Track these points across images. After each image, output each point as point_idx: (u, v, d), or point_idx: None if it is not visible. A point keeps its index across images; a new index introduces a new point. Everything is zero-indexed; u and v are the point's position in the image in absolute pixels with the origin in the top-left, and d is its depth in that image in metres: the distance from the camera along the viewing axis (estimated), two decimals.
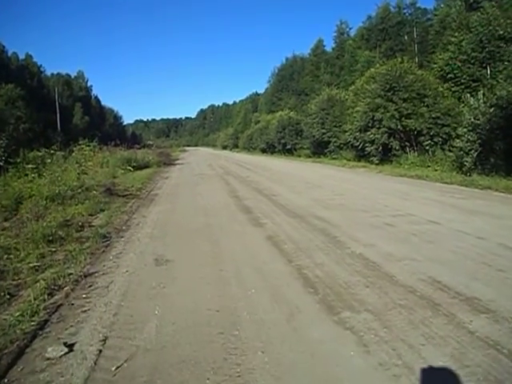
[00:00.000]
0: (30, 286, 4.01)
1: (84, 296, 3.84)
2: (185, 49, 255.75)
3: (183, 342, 2.88)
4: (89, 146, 17.74)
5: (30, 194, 8.83)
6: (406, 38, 30.07)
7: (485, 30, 17.24)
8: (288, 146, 34.48)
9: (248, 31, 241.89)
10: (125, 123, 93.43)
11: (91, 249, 5.43)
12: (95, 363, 2.66)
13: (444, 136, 16.26)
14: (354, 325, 3.01)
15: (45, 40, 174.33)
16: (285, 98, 46.52)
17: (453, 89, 18.11)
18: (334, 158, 24.29)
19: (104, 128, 61.60)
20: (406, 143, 17.88)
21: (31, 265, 4.66)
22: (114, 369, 2.58)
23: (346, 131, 21.51)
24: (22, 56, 51.68)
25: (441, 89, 17.49)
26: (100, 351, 2.80)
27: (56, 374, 2.56)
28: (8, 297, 3.79)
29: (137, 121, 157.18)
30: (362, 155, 20.17)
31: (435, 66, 19.60)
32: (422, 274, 4.05)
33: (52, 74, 57.85)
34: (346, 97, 25.05)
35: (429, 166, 15.41)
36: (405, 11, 31.73)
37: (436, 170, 14.29)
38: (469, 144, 12.50)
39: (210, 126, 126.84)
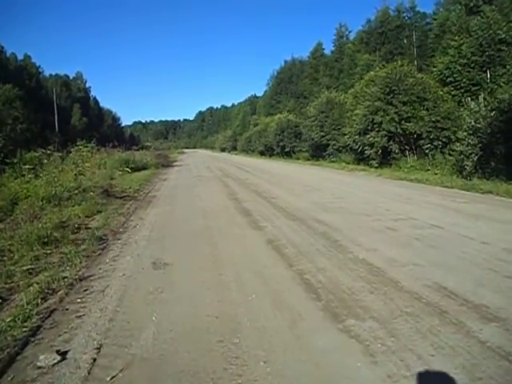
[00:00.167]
0: (23, 290, 3.88)
1: (79, 300, 3.71)
2: (184, 51, 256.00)
3: (181, 351, 2.76)
4: (86, 147, 17.60)
5: (26, 195, 8.70)
6: (405, 41, 30.04)
7: (485, 34, 17.22)
8: (287, 149, 34.38)
9: (247, 34, 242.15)
10: (123, 125, 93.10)
11: (87, 251, 5.31)
12: (89, 373, 2.54)
13: (444, 140, 16.19)
14: (360, 333, 2.90)
15: (44, 41, 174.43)
16: (283, 101, 46.44)
17: (452, 92, 18.07)
18: (333, 161, 24.20)
19: (102, 129, 61.35)
20: (406, 146, 17.81)
21: (25, 268, 4.53)
22: (108, 379, 2.46)
23: (345, 134, 21.43)
24: (20, 57, 51.54)
25: (441, 92, 17.45)
26: (94, 360, 2.68)
27: None
28: (0, 301, 3.66)
29: (135, 122, 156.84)
30: (361, 158, 20.08)
31: (435, 69, 19.56)
32: (427, 279, 3.94)
33: (50, 75, 57.63)
34: (346, 100, 24.99)
35: (428, 170, 15.32)
36: (404, 15, 31.71)
37: (436, 174, 14.19)
38: (469, 148, 12.43)
39: (209, 128, 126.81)
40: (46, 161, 13.78)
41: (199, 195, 11.23)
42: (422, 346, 2.70)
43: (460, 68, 17.98)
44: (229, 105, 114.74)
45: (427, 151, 16.65)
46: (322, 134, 25.40)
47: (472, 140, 12.35)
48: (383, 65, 20.92)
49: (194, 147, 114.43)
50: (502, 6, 18.63)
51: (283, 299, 3.59)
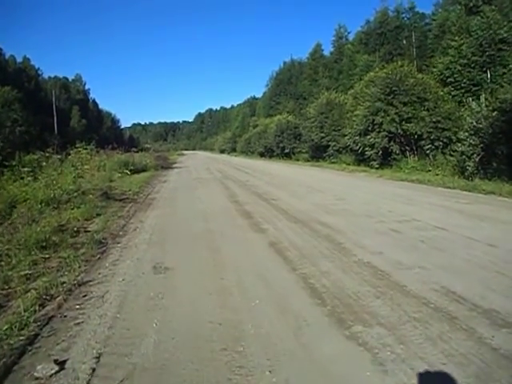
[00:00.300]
0: (21, 296, 3.77)
1: (77, 307, 3.61)
2: (183, 53, 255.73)
3: (184, 360, 2.66)
4: (86, 149, 17.50)
5: (24, 198, 8.59)
6: (404, 42, 30.02)
7: (485, 34, 17.19)
8: (286, 150, 34.33)
9: (246, 36, 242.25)
10: (122, 127, 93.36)
11: (86, 255, 5.20)
12: None
13: (445, 140, 16.12)
14: (368, 340, 2.81)
15: (43, 43, 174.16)
16: (283, 102, 46.40)
17: (453, 93, 18.03)
18: (333, 162, 24.14)
19: (101, 131, 61.33)
20: (407, 147, 17.73)
21: (22, 273, 4.43)
22: None
23: (345, 135, 21.37)
24: (19, 59, 51.55)
25: (441, 93, 17.39)
26: (93, 370, 2.58)
27: None
28: None
29: (134, 124, 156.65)
30: (361, 159, 20.01)
31: (435, 70, 19.53)
32: (434, 283, 3.85)
33: (49, 77, 57.75)
34: (345, 101, 24.94)
35: (429, 171, 15.25)
36: (403, 16, 31.70)
37: (437, 175, 14.11)
38: (471, 148, 12.37)
39: (208, 129, 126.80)
40: (44, 163, 13.66)
41: (199, 197, 11.13)
42: (432, 353, 2.61)
43: (460, 68, 17.95)
44: (228, 106, 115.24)
45: (428, 152, 16.58)
46: (322, 135, 25.35)
47: (473, 140, 12.28)
48: (383, 65, 20.87)
49: (194, 149, 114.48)
50: (501, 5, 18.60)
51: (287, 304, 3.49)
